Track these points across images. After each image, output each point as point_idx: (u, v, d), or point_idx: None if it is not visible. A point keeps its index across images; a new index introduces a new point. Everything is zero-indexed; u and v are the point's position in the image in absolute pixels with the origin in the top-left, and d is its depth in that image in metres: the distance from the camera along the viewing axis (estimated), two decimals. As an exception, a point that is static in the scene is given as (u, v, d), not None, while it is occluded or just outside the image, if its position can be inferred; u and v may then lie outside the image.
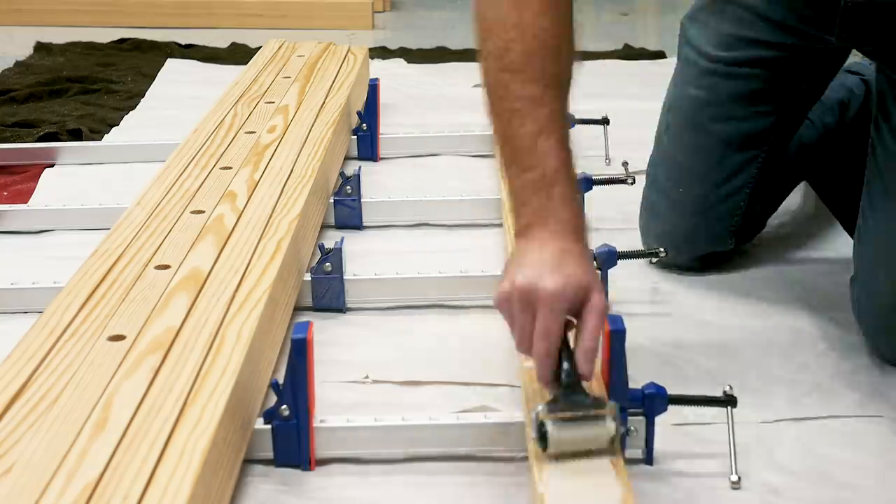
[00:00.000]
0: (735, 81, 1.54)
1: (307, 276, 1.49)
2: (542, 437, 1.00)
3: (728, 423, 1.15)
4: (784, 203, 1.79)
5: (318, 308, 1.49)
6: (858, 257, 1.44)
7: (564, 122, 1.08)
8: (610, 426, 1.01)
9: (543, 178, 1.05)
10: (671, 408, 1.15)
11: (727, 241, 1.62)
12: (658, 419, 1.15)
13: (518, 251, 1.07)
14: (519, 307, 1.03)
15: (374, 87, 2.08)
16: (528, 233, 1.06)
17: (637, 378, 1.15)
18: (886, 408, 1.29)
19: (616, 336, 1.11)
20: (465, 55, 2.90)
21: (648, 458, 1.16)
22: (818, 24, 1.45)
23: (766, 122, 1.55)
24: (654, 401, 1.14)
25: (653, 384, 1.14)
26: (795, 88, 1.55)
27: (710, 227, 1.59)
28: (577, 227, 1.06)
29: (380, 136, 2.09)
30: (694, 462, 1.18)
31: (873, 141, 1.45)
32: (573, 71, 1.11)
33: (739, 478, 1.13)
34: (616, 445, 1.02)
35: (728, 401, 1.16)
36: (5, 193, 1.96)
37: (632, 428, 1.14)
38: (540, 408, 1.01)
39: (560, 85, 1.09)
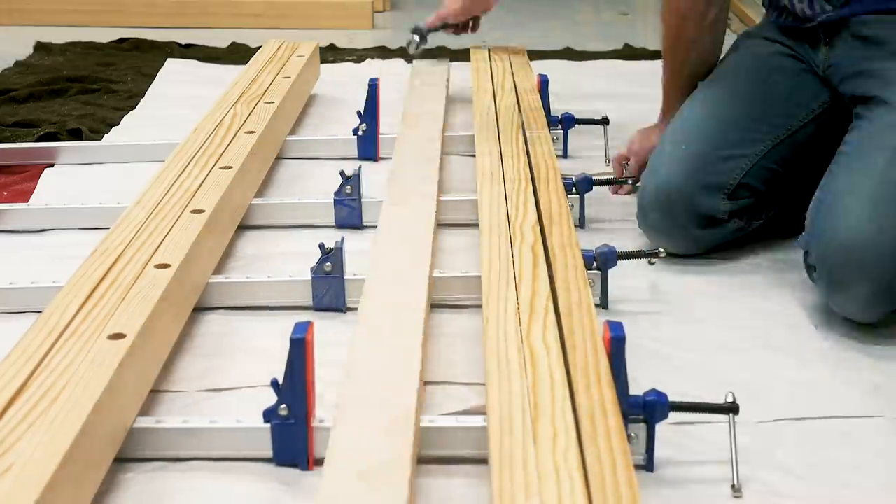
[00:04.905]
0: (758, 80, 1.72)
1: (307, 276, 1.49)
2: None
3: (730, 430, 1.14)
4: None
5: (318, 308, 1.49)
6: (816, 214, 1.50)
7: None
8: None
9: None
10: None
11: (721, 201, 1.65)
12: (656, 417, 1.15)
13: None
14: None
15: (374, 87, 2.08)
16: None
17: (637, 377, 1.15)
18: (886, 407, 1.29)
19: (616, 343, 1.11)
20: (465, 55, 2.89)
21: (649, 465, 1.16)
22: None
23: (781, 118, 1.68)
24: (655, 408, 1.13)
25: (654, 391, 1.14)
26: (810, 101, 1.70)
27: (706, 180, 1.64)
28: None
29: (380, 136, 2.10)
30: (694, 466, 1.17)
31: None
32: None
33: (741, 486, 1.13)
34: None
35: (730, 408, 1.15)
36: (5, 193, 1.96)
37: (632, 434, 1.14)
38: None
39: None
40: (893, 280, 1.40)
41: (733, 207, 1.66)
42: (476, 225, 1.75)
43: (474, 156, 2.07)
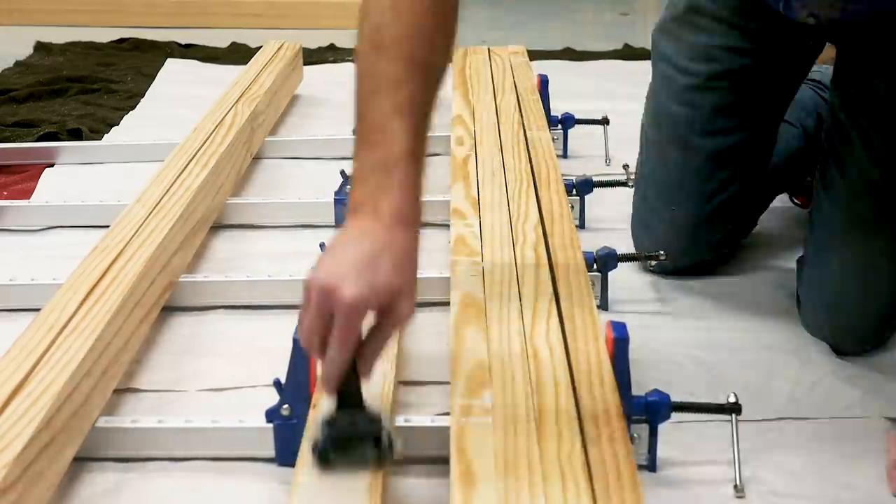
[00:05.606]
0: (713, 94, 1.55)
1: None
2: (318, 458, 1.00)
3: (732, 430, 1.14)
4: (779, 203, 1.79)
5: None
6: (808, 267, 1.48)
7: (426, 108, 1.02)
8: (377, 449, 0.99)
9: (386, 158, 0.99)
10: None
11: (720, 249, 1.64)
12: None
13: (341, 233, 0.99)
14: (315, 305, 0.94)
15: (374, 87, 2.07)
16: (358, 212, 0.98)
17: (638, 378, 1.15)
18: (886, 407, 1.29)
19: (619, 344, 1.11)
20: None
21: (652, 466, 1.16)
22: (790, 31, 1.49)
23: (744, 134, 1.56)
24: (657, 408, 1.13)
25: (656, 391, 1.14)
26: (767, 96, 1.56)
27: (704, 239, 1.60)
28: (408, 216, 0.99)
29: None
30: (696, 467, 1.17)
31: (833, 145, 1.47)
32: (446, 61, 1.07)
33: (743, 486, 1.13)
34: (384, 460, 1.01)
35: (733, 408, 1.15)
36: (5, 193, 1.96)
37: (635, 435, 1.14)
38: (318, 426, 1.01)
39: (426, 70, 1.02)
40: (880, 329, 1.43)
41: (731, 244, 1.65)
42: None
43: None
